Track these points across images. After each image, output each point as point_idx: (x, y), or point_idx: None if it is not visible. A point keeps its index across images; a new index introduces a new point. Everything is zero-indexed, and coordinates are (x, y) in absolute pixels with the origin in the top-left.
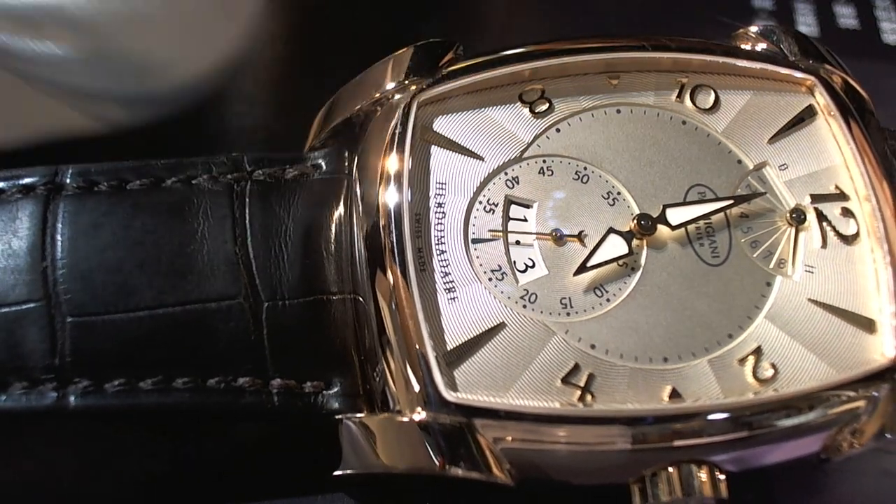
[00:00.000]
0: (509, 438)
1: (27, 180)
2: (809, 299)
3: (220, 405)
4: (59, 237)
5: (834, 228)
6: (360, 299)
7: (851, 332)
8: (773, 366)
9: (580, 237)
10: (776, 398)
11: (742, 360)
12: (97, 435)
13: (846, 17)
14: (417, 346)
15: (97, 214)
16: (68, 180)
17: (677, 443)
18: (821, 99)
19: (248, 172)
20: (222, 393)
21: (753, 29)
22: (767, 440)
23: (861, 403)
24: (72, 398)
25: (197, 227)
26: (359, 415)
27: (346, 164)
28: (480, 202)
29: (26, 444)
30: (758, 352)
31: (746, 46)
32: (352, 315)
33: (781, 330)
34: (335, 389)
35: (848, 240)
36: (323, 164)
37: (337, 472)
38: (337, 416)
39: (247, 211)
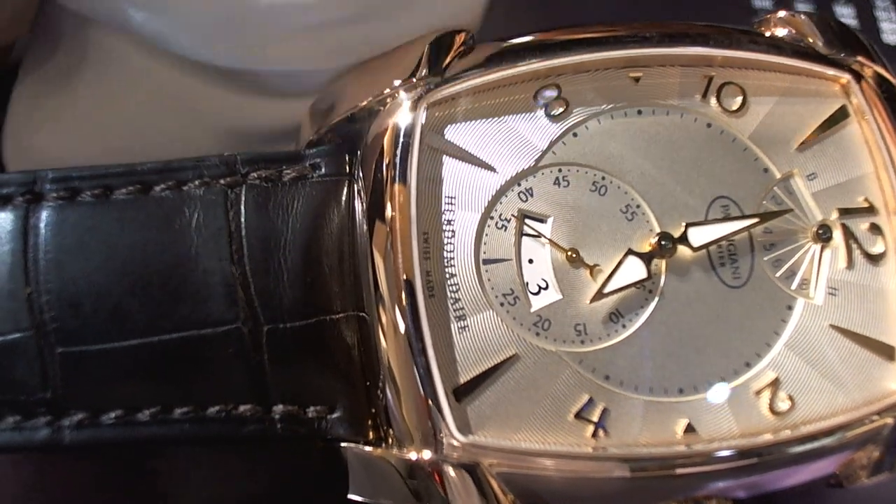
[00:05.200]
0: (514, 470)
1: (3, 190)
2: (831, 325)
3: (220, 435)
4: (42, 258)
5: (861, 247)
6: (364, 316)
7: (871, 359)
8: (791, 398)
9: (592, 271)
10: (791, 438)
11: (759, 392)
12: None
13: (846, 17)
14: (426, 382)
15: (82, 230)
16: (48, 187)
17: (679, 471)
18: (854, 99)
19: (243, 175)
20: (223, 422)
21: (781, 14)
22: (777, 473)
23: (878, 434)
24: (67, 432)
25: (190, 244)
26: (365, 447)
27: (347, 166)
28: (492, 218)
29: None
30: (775, 383)
31: (773, 33)
32: (355, 334)
33: (800, 358)
34: (339, 414)
35: (874, 259)
36: (322, 164)
37: (351, 496)
38: (342, 445)
39: (243, 222)
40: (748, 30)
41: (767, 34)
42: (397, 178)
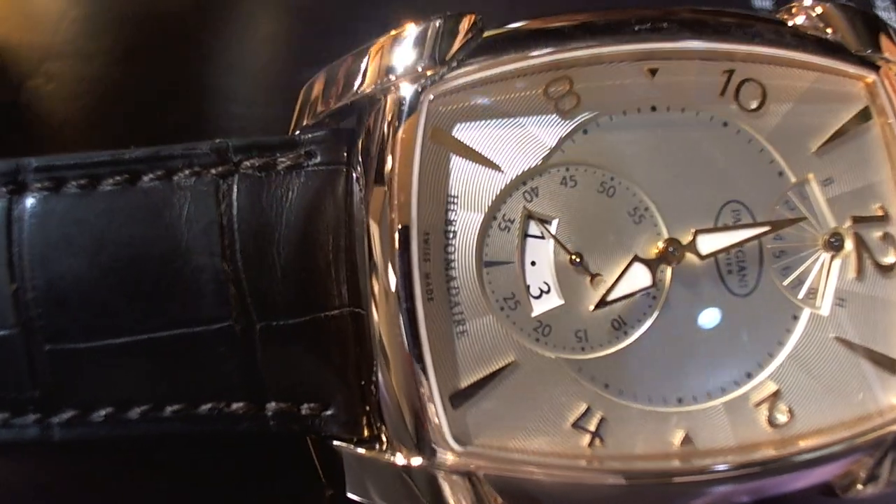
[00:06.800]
0: (507, 477)
1: None
2: (836, 337)
3: (213, 433)
4: (27, 252)
5: (872, 257)
6: (360, 312)
7: (874, 373)
8: (790, 410)
9: (594, 280)
10: (787, 454)
11: (758, 404)
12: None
13: None
14: (422, 388)
15: (68, 223)
16: (32, 177)
17: (677, 479)
18: (879, 101)
19: (235, 164)
20: (215, 420)
21: (808, 2)
22: (774, 480)
23: (877, 446)
24: (56, 429)
25: (180, 238)
26: (359, 450)
27: (345, 154)
28: (496, 219)
29: None
30: (776, 395)
31: (796, 22)
32: (351, 331)
33: (802, 370)
34: (333, 411)
35: (885, 270)
36: (318, 151)
37: (350, 495)
38: (335, 444)
39: (235, 215)
40: (771, 19)
41: (790, 23)
42: (398, 172)
